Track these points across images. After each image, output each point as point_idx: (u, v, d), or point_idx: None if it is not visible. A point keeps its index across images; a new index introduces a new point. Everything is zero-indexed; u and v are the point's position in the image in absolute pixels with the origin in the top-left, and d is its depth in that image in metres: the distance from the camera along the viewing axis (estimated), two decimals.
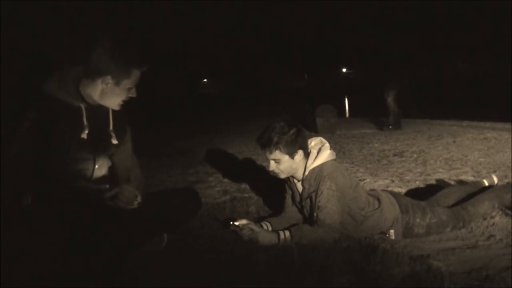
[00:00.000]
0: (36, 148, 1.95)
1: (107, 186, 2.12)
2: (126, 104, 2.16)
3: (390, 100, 7.97)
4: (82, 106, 2.07)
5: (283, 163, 2.50)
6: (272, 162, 2.52)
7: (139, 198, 2.15)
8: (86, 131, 2.06)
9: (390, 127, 7.89)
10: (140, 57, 2.08)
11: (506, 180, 3.58)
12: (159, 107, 17.24)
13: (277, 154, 2.47)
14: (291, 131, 2.47)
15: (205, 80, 30.72)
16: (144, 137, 8.22)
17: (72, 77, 2.05)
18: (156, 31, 19.83)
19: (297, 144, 2.49)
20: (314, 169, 2.51)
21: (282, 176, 2.57)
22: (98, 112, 2.13)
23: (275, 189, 3.37)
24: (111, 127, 2.18)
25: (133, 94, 2.13)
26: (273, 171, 2.55)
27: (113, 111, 2.18)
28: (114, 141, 2.18)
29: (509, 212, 2.82)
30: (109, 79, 2.02)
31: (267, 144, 2.47)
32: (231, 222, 2.52)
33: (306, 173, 2.53)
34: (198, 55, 24.39)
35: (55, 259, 1.89)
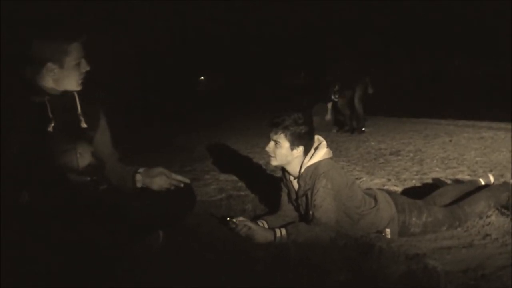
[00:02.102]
0: (21, 149, 1.95)
1: (94, 178, 2.12)
2: (87, 83, 2.14)
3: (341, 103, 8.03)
4: (46, 100, 2.06)
5: (281, 149, 2.50)
6: (271, 143, 2.53)
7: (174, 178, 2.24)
8: (52, 124, 2.05)
9: (363, 129, 7.80)
10: (69, 30, 2.06)
11: (503, 179, 3.58)
12: (158, 105, 17.22)
13: (281, 137, 2.49)
14: (303, 126, 2.49)
15: (202, 77, 30.71)
16: (143, 134, 8.25)
17: (27, 76, 2.04)
18: (156, 31, 19.80)
19: (302, 140, 2.49)
20: (309, 167, 2.51)
21: (274, 162, 2.57)
22: (64, 101, 2.11)
23: (271, 187, 3.37)
24: (79, 111, 2.16)
25: (85, 68, 2.10)
26: (268, 153, 2.57)
27: (81, 97, 2.16)
28: (83, 125, 2.16)
29: (505, 211, 2.82)
30: (51, 65, 2.01)
31: (276, 124, 2.49)
32: (228, 218, 2.51)
33: (302, 170, 2.53)
34: (197, 53, 24.40)
35: (53, 258, 1.88)
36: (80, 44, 2.07)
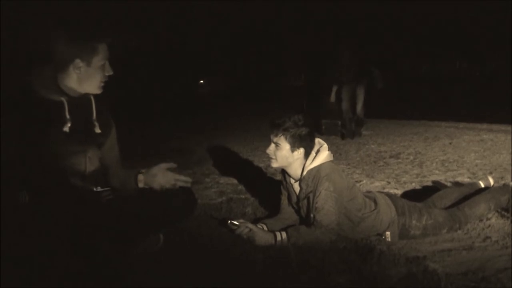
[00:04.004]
0: (23, 148, 1.95)
1: (99, 187, 2.12)
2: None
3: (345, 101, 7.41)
4: (64, 99, 2.07)
5: (281, 151, 2.51)
6: (272, 145, 2.55)
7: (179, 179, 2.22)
8: (69, 125, 2.06)
9: (362, 132, 7.45)
10: (100, 30, 2.08)
11: (503, 182, 3.59)
12: (157, 107, 17.23)
13: (281, 139, 2.50)
14: (303, 128, 2.50)
15: (201, 81, 30.75)
16: (143, 136, 8.24)
17: (48, 74, 2.05)
18: (156, 31, 19.84)
19: (302, 142, 2.51)
20: (311, 169, 2.51)
21: (274, 164, 2.58)
22: (80, 103, 2.12)
23: (271, 190, 3.37)
24: (94, 116, 2.18)
25: (108, 71, 2.12)
26: (269, 155, 2.58)
27: (96, 102, 2.18)
28: (97, 130, 2.17)
29: (505, 213, 2.83)
30: (79, 62, 2.02)
31: (277, 126, 2.51)
32: (229, 221, 2.52)
33: (304, 173, 2.53)
34: (196, 54, 24.42)
35: (53, 258, 1.88)
36: (106, 45, 2.09)
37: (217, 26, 22.82)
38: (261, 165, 5.06)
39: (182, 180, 2.26)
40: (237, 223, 2.48)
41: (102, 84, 2.13)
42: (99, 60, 2.06)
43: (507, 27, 16.90)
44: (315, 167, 2.52)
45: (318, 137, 2.66)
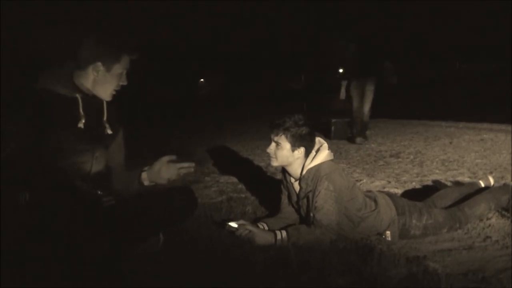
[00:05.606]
0: (32, 144, 1.94)
1: (101, 193, 2.12)
2: (117, 97, 2.18)
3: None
4: (78, 96, 2.09)
5: (282, 150, 2.51)
6: (273, 144, 2.55)
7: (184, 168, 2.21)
8: (83, 121, 2.07)
9: (361, 138, 6.75)
10: (129, 43, 2.12)
11: (503, 181, 3.58)
12: (156, 107, 17.25)
13: (281, 138, 2.50)
14: (304, 127, 2.50)
15: (202, 80, 30.72)
16: (142, 136, 8.25)
17: (64, 71, 2.07)
18: (155, 31, 19.87)
19: (303, 141, 2.51)
20: (311, 169, 2.51)
21: (275, 163, 2.58)
22: (93, 102, 2.14)
23: (271, 189, 3.37)
24: (105, 118, 2.19)
25: (123, 81, 2.15)
26: (269, 154, 2.58)
27: (107, 103, 2.19)
28: (109, 131, 2.19)
29: (506, 213, 2.83)
30: (99, 65, 2.06)
31: (277, 126, 2.51)
32: (228, 224, 2.51)
33: (304, 172, 2.53)
34: (196, 55, 24.46)
35: (53, 259, 1.88)
36: (129, 58, 2.13)
37: (217, 26, 22.84)
38: (261, 164, 5.06)
39: (185, 166, 2.23)
40: (235, 225, 2.48)
41: (114, 92, 2.16)
42: (118, 68, 2.10)
43: (507, 27, 16.89)
44: (314, 166, 2.51)
45: (319, 136, 2.65)
